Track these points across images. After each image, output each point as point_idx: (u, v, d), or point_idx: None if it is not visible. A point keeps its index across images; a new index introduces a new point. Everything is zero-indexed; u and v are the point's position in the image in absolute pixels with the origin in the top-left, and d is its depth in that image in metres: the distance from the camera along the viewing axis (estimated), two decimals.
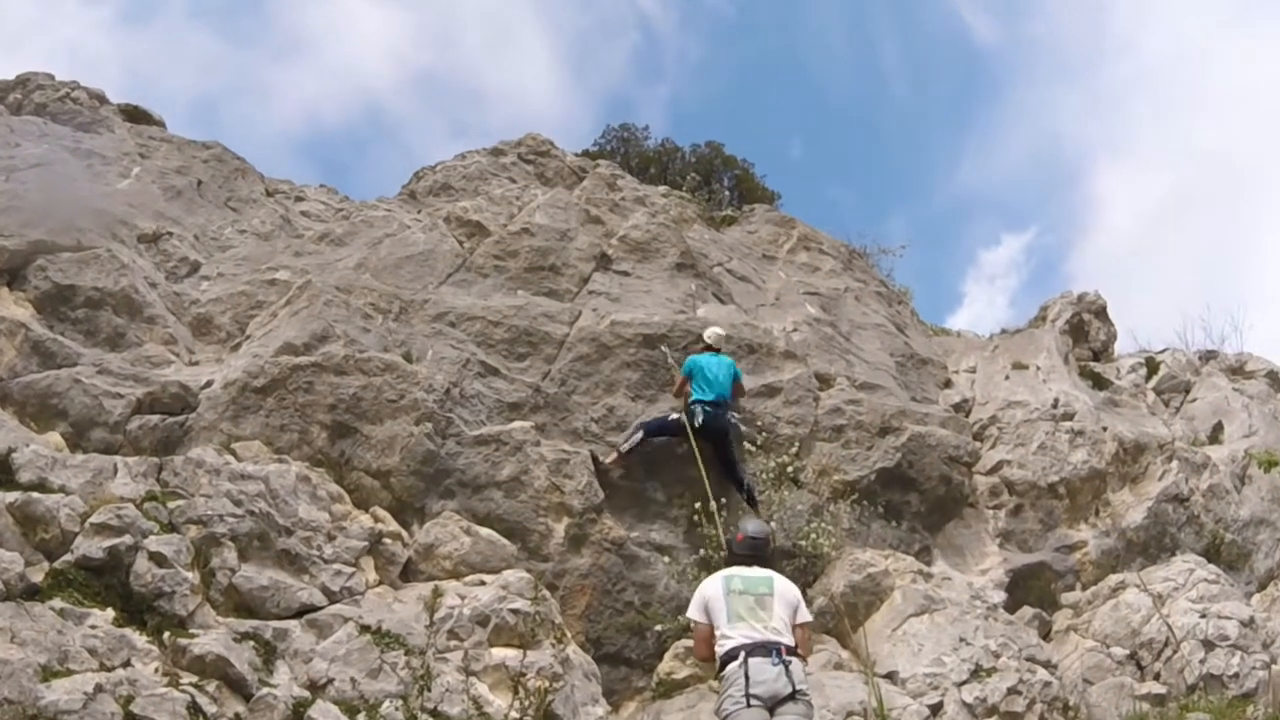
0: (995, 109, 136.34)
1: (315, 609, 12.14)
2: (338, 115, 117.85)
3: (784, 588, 10.62)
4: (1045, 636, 16.86)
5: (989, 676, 14.60)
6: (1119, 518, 19.01)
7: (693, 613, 10.68)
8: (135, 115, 21.37)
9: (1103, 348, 25.37)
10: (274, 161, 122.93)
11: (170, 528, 11.92)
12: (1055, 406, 20.39)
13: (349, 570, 12.92)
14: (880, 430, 18.30)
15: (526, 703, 12.07)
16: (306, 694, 11.09)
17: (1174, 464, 19.94)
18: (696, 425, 16.26)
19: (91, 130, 19.45)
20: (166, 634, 10.81)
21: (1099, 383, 23.23)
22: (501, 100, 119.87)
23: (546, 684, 12.35)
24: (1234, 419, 22.82)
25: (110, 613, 10.72)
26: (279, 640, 11.51)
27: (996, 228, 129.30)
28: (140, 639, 10.59)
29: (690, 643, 13.59)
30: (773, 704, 9.59)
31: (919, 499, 18.15)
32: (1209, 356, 25.92)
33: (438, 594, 13.13)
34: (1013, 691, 14.45)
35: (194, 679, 10.41)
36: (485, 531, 14.49)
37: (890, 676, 14.60)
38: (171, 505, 12.22)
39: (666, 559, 15.64)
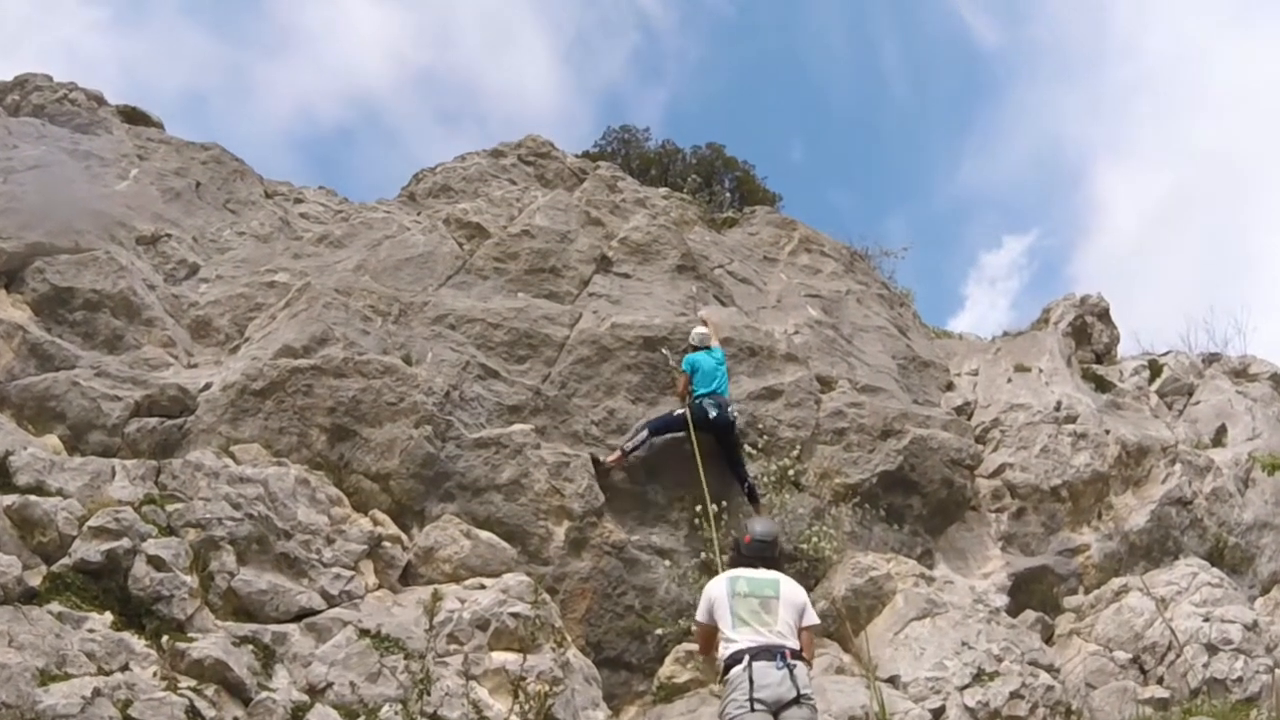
0: (996, 110, 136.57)
1: (314, 613, 12.11)
2: (334, 114, 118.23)
3: (790, 590, 10.55)
4: (1048, 640, 16.81)
5: (991, 680, 14.55)
6: (1122, 521, 18.98)
7: (699, 615, 10.66)
8: (133, 117, 21.32)
9: (1105, 350, 25.31)
10: (270, 160, 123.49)
11: (169, 531, 11.90)
12: (1058, 409, 20.35)
13: (348, 574, 12.88)
14: (882, 433, 18.26)
15: (526, 707, 12.02)
16: (305, 698, 11.06)
17: (1177, 467, 19.91)
18: (711, 418, 16.33)
19: (90, 132, 19.41)
20: (165, 638, 10.78)
21: (1102, 385, 23.18)
22: (500, 100, 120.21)
23: (547, 688, 12.30)
24: (1237, 422, 22.77)
25: (108, 616, 10.70)
26: (278, 644, 11.47)
27: (998, 230, 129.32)
28: (138, 643, 10.57)
29: (692, 646, 13.66)
30: (777, 709, 9.50)
31: (921, 502, 18.11)
32: (1212, 359, 25.87)
33: (437, 597, 13.05)
34: (1015, 696, 14.40)
35: (192, 683, 10.39)
36: (485, 535, 14.46)
37: (892, 681, 14.54)
38: (170, 508, 12.20)
39: (667, 562, 15.59)
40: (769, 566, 10.76)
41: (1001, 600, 17.01)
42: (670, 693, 14.20)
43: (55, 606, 10.40)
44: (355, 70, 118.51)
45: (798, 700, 9.56)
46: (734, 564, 10.98)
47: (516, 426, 15.84)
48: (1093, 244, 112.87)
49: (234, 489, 12.66)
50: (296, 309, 16.24)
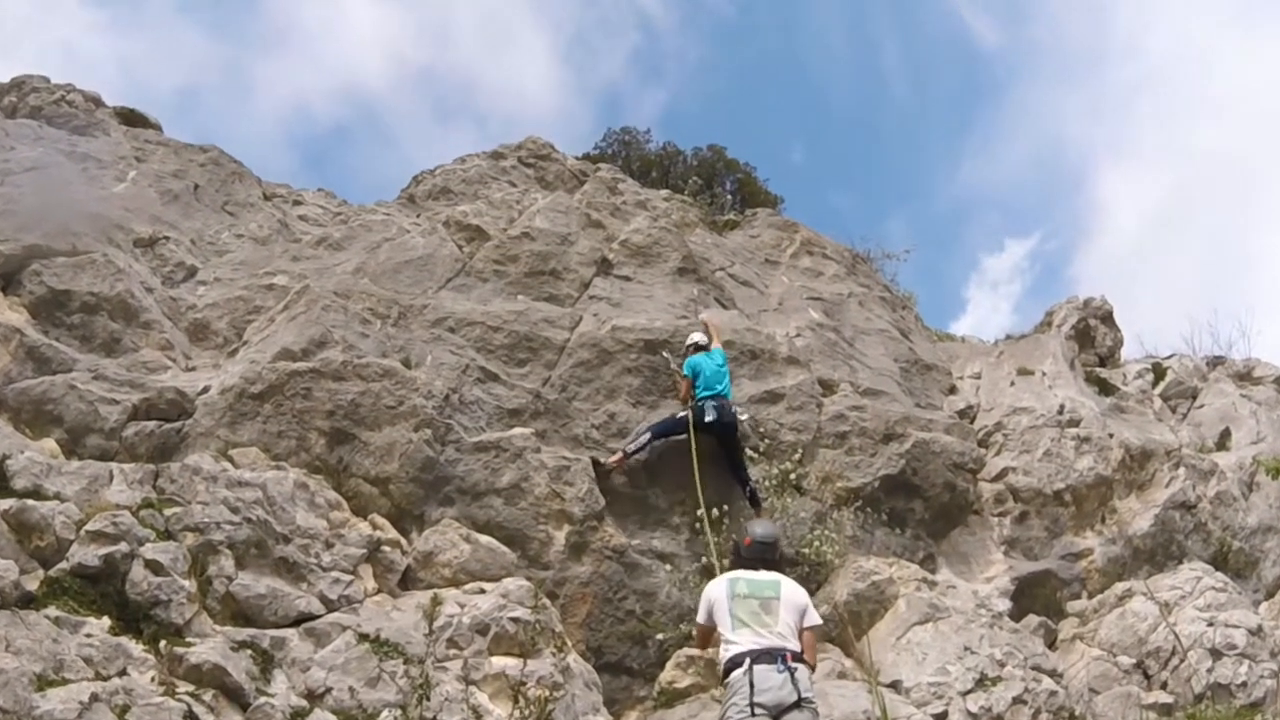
0: (997, 112, 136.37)
1: (313, 617, 12.09)
2: (331, 112, 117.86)
3: (791, 592, 10.56)
4: (1051, 645, 16.77)
5: (994, 686, 14.52)
6: (1125, 525, 18.92)
7: (699, 617, 10.65)
8: (131, 118, 21.24)
9: (1109, 353, 25.23)
10: (266, 159, 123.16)
11: (166, 535, 11.90)
12: (1061, 413, 20.29)
13: (347, 578, 12.83)
14: (884, 437, 18.20)
15: (526, 712, 11.88)
16: (304, 703, 11.05)
17: (1181, 471, 19.85)
18: (708, 420, 16.28)
19: (87, 133, 19.33)
20: (163, 643, 10.76)
21: (1105, 389, 23.12)
22: (499, 100, 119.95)
23: (547, 693, 12.12)
24: (1241, 425, 22.69)
25: (106, 621, 10.68)
26: (276, 649, 11.45)
27: (999, 232, 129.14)
28: (136, 648, 10.54)
29: (693, 651, 13.61)
30: (778, 712, 9.50)
31: (923, 506, 18.05)
32: (1216, 362, 25.79)
33: (437, 602, 12.77)
34: (1018, 701, 14.37)
35: (191, 688, 10.38)
36: (485, 539, 14.39)
37: (894, 685, 14.50)
38: (168, 512, 12.19)
39: (668, 567, 15.55)
40: (769, 569, 10.75)
41: (1004, 605, 16.96)
42: (671, 698, 14.15)
43: (52, 611, 10.37)
44: (352, 69, 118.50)
45: (799, 704, 9.56)
46: (734, 567, 10.99)
47: (516, 430, 15.79)
48: (1095, 246, 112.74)
49: (232, 493, 12.61)
50: (295, 312, 16.18)
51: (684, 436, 16.30)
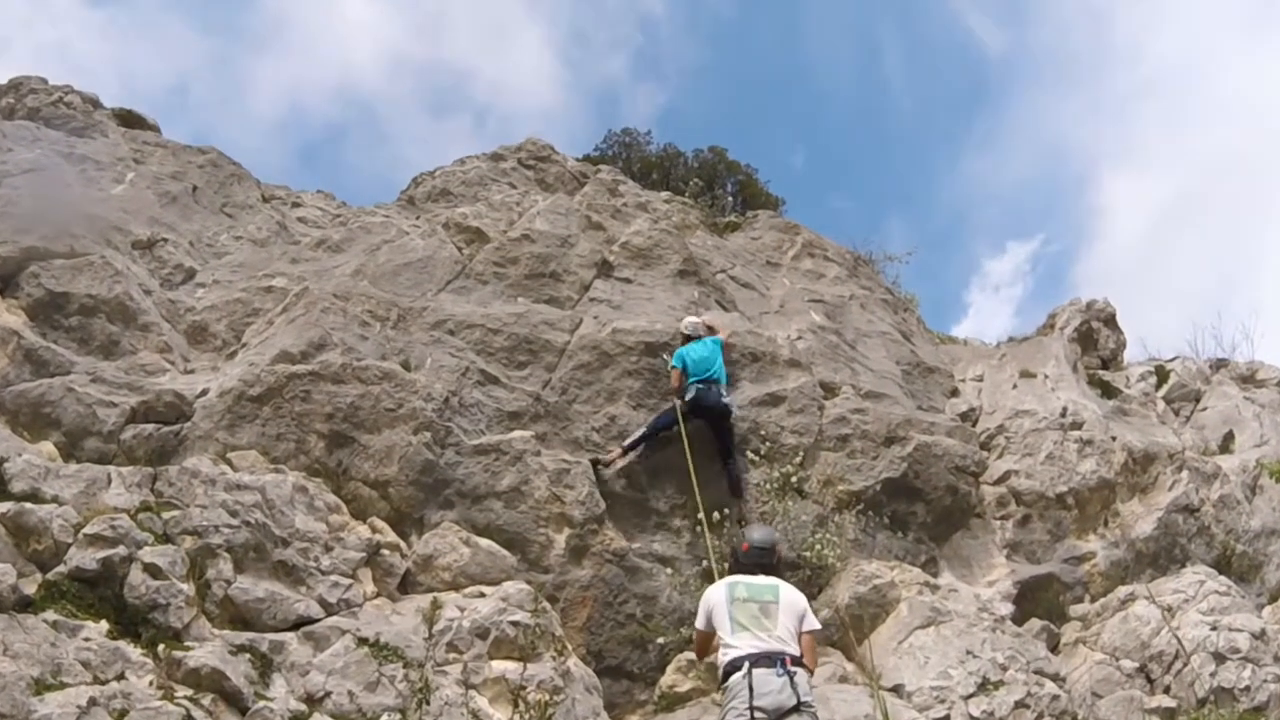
0: (999, 116, 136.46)
1: (312, 621, 12.08)
2: (327, 109, 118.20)
3: (790, 596, 10.56)
4: (1053, 649, 16.71)
5: (996, 690, 14.47)
6: (1128, 528, 18.85)
7: (698, 622, 10.63)
8: (129, 120, 21.21)
9: (1112, 356, 25.17)
10: (261, 156, 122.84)
11: (165, 539, 11.91)
12: (1063, 415, 20.23)
13: (346, 582, 12.82)
14: (886, 440, 18.12)
15: (527, 716, 12.01)
16: (304, 707, 11.06)
17: (1184, 474, 19.77)
18: (690, 400, 16.46)
19: (85, 135, 19.30)
20: (161, 646, 10.79)
21: (1108, 391, 23.06)
22: (498, 100, 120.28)
23: (547, 697, 12.29)
24: (1245, 428, 22.64)
25: (104, 625, 10.71)
26: (275, 653, 11.45)
27: (1001, 236, 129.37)
28: (134, 651, 10.57)
29: (693, 655, 13.53)
30: (777, 716, 9.48)
31: (925, 509, 17.96)
32: (1220, 365, 25.72)
33: (437, 606, 13.02)
34: (1020, 705, 14.32)
35: (189, 692, 10.41)
36: (485, 542, 14.36)
37: (896, 690, 14.48)
38: (166, 516, 12.21)
39: (669, 570, 15.52)
40: (767, 574, 10.74)
41: (1007, 608, 16.89)
42: (672, 702, 14.15)
43: (50, 615, 10.41)
44: (347, 65, 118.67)
45: (798, 708, 9.55)
46: (732, 572, 10.97)
47: (516, 433, 15.77)
48: (1097, 250, 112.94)
49: (231, 496, 12.61)
50: (294, 314, 16.17)
51: (679, 428, 16.30)
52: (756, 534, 11.24)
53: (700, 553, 15.42)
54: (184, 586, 11.31)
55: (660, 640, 14.84)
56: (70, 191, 17.28)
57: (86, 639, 10.32)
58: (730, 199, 32.15)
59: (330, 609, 12.36)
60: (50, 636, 10.06)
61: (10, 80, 20.24)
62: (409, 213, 21.59)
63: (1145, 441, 20.42)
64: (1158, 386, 24.01)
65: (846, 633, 15.40)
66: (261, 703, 10.71)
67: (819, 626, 10.84)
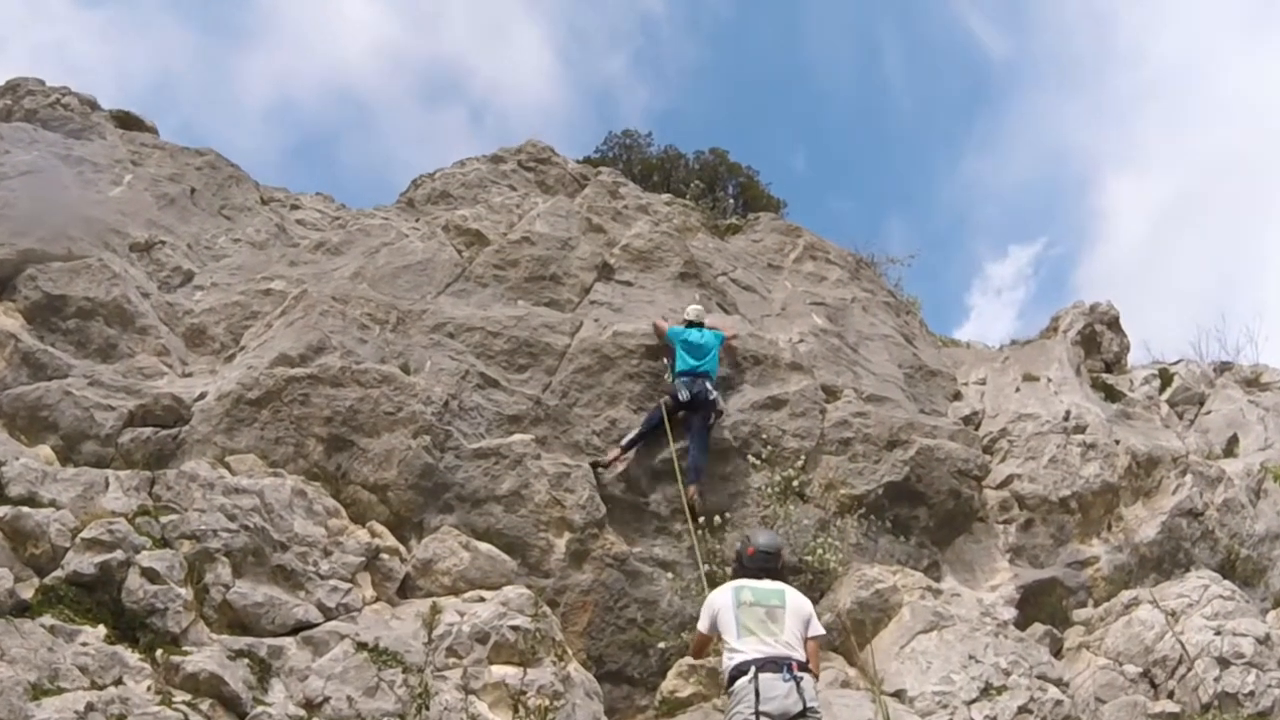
0: (1001, 118, 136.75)
1: (311, 626, 12.02)
2: (323, 107, 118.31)
3: (796, 601, 10.63)
4: (1056, 654, 16.64)
5: (999, 695, 14.42)
6: (1132, 533, 18.80)
7: (700, 625, 10.64)
8: (127, 122, 21.23)
9: (1115, 359, 25.13)
10: (253, 154, 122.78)
11: (163, 543, 11.85)
12: (1067, 419, 20.17)
13: (345, 586, 12.78)
14: (888, 443, 18.07)
15: None
16: (302, 713, 11.02)
17: (1188, 478, 19.70)
18: (681, 398, 16.49)
19: (82, 137, 19.32)
20: (159, 651, 10.76)
21: (1111, 395, 23.02)
22: (497, 100, 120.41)
23: (547, 702, 12.28)
24: (1249, 432, 22.63)
25: (102, 630, 10.65)
26: (274, 658, 11.41)
27: (1003, 239, 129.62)
28: (132, 656, 10.53)
29: (696, 661, 13.47)
30: None
31: (928, 513, 17.90)
32: (1224, 368, 25.70)
33: (436, 610, 13.01)
34: (1023, 710, 14.27)
35: (187, 697, 10.37)
36: (485, 547, 14.32)
37: (898, 695, 14.42)
38: (164, 520, 12.14)
39: (670, 575, 15.47)
40: (772, 578, 10.73)
41: (1009, 613, 16.85)
42: (673, 707, 14.03)
43: (48, 619, 10.36)
44: (344, 63, 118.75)
45: (804, 714, 9.68)
46: (736, 575, 10.99)
47: (516, 437, 15.74)
48: (1100, 252, 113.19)
49: (229, 500, 12.56)
50: (293, 317, 16.15)
51: (672, 420, 16.42)
52: (761, 538, 11.25)
53: (701, 556, 15.37)
54: (182, 591, 11.26)
55: (661, 645, 14.79)
56: (68, 193, 17.30)
57: (84, 644, 10.28)
58: (731, 201, 32.21)
59: (329, 613, 12.30)
60: (47, 641, 10.01)
61: (7, 82, 20.28)
62: (408, 215, 21.60)
63: (1149, 445, 20.36)
64: (1161, 390, 23.97)
65: (848, 637, 15.32)
66: (260, 708, 10.69)
67: (824, 632, 10.92)
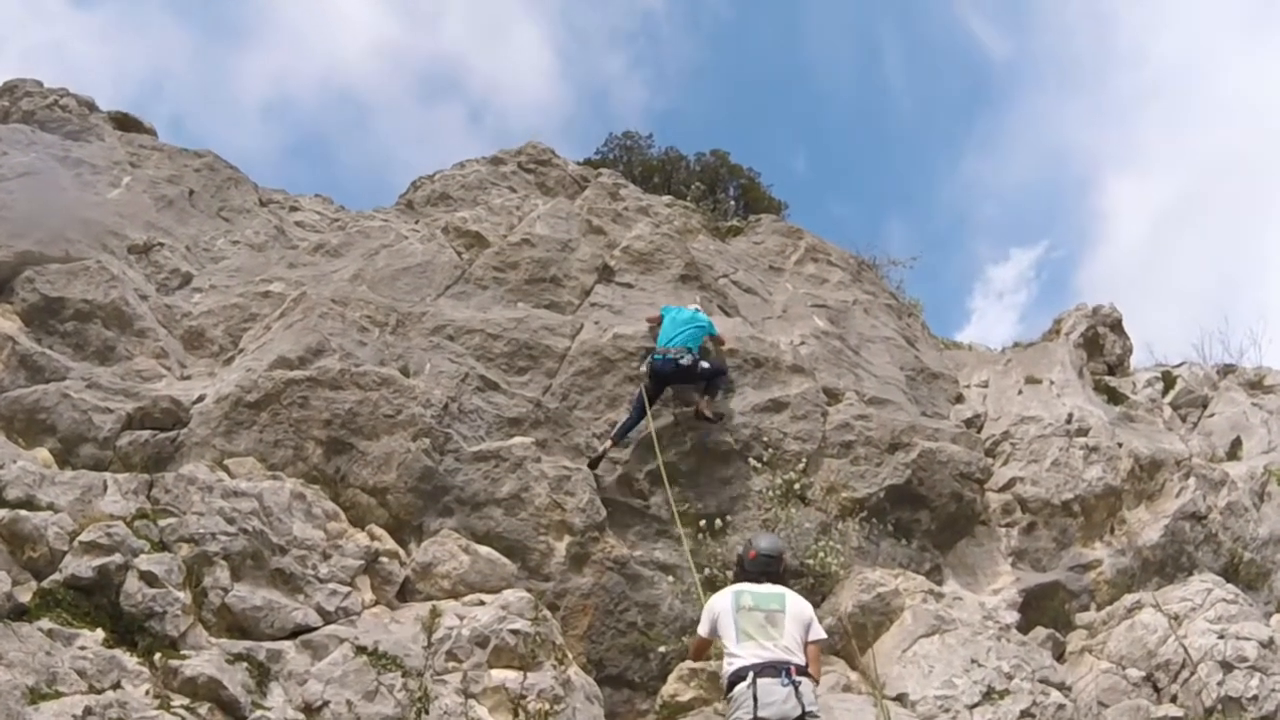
0: (1001, 120, 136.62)
1: (310, 629, 12.01)
2: (319, 105, 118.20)
3: (796, 605, 10.58)
4: (1059, 658, 16.62)
5: (1001, 699, 14.38)
6: (1135, 536, 18.76)
7: (700, 629, 10.61)
8: (125, 123, 21.23)
9: (1118, 362, 25.11)
10: (249, 155, 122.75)
11: (161, 546, 11.82)
12: (1069, 422, 20.14)
13: (345, 590, 12.77)
14: (890, 446, 18.03)
15: None
16: (301, 716, 11.03)
17: (1191, 481, 19.67)
18: (643, 370, 16.96)
19: (81, 138, 19.32)
20: (157, 655, 10.72)
21: (1114, 397, 23.01)
22: (494, 98, 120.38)
23: (547, 706, 12.28)
24: (1253, 434, 22.61)
25: (100, 633, 10.63)
26: (273, 662, 11.39)
27: (1004, 242, 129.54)
28: (131, 660, 10.50)
29: (695, 664, 13.44)
30: None
31: (929, 517, 17.87)
32: (1227, 371, 25.68)
33: (436, 614, 12.99)
34: (1026, 714, 14.26)
35: (186, 701, 10.36)
36: (484, 550, 14.32)
37: (900, 699, 14.38)
38: (162, 523, 12.11)
39: (670, 578, 15.46)
40: (773, 582, 10.69)
41: (1012, 617, 16.83)
42: (673, 711, 14.02)
43: (46, 623, 10.34)
44: (344, 62, 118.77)
45: (803, 718, 9.59)
46: (737, 579, 10.95)
47: (517, 439, 15.71)
48: (1102, 255, 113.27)
49: (228, 503, 12.53)
50: (292, 319, 16.12)
51: (653, 406, 16.62)
52: (763, 541, 11.20)
53: (702, 561, 15.34)
54: (180, 594, 11.22)
55: (662, 649, 14.81)
56: (65, 195, 17.29)
57: (82, 647, 10.25)
58: (732, 203, 32.15)
59: (328, 617, 12.29)
60: (45, 645, 9.99)
61: (5, 83, 20.28)
62: (408, 217, 21.60)
63: (1152, 448, 20.31)
64: (1164, 392, 23.97)
65: (850, 641, 15.34)
66: (259, 712, 10.67)
67: (824, 636, 10.88)
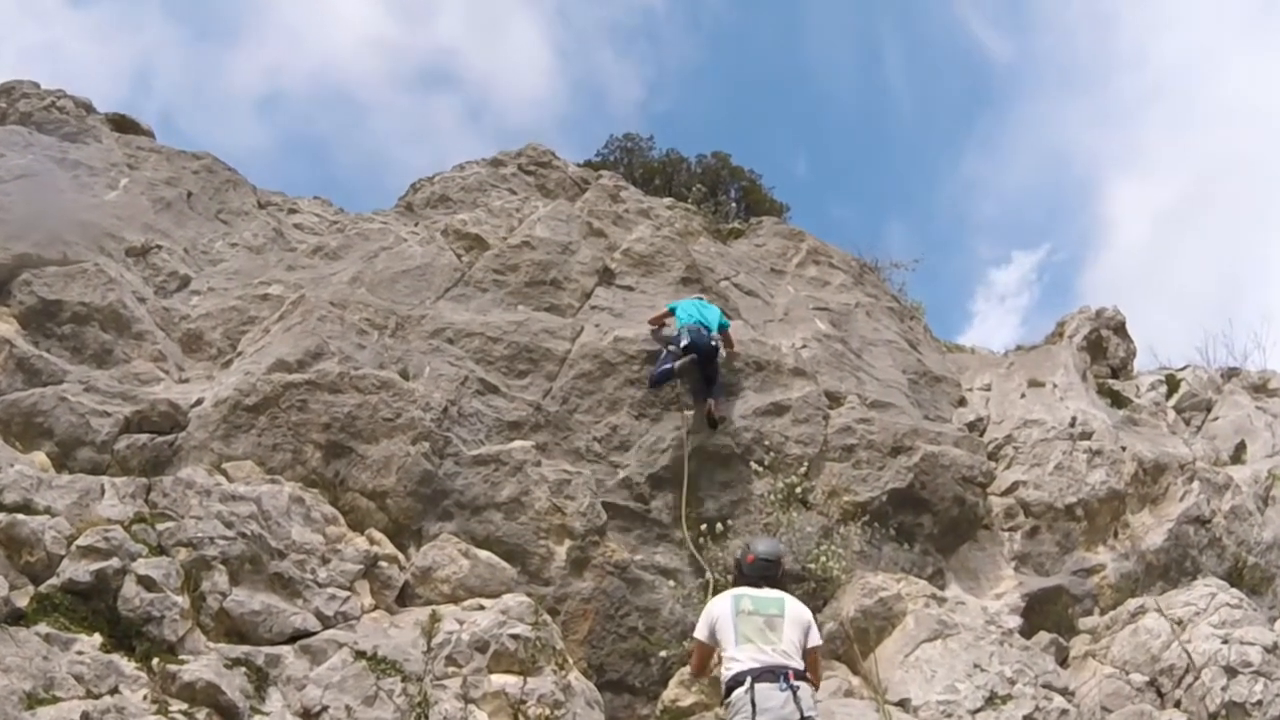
0: (1003, 123, 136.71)
1: (309, 634, 11.94)
2: (316, 104, 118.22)
3: (795, 610, 10.54)
4: (1062, 663, 16.59)
5: (1004, 704, 14.33)
6: (1138, 540, 18.73)
7: (698, 633, 10.54)
8: (123, 125, 21.24)
9: (1121, 365, 25.12)
10: (245, 153, 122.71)
11: (159, 550, 11.76)
12: (1072, 425, 20.12)
13: (344, 594, 12.71)
14: (892, 450, 17.99)
15: None
16: None
17: (1195, 485, 19.66)
18: (684, 345, 16.78)
19: (78, 140, 19.31)
20: (155, 660, 10.69)
21: (1118, 401, 23.02)
22: (494, 99, 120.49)
23: (548, 712, 12.26)
24: (1257, 438, 22.58)
25: (97, 638, 10.61)
26: (271, 666, 11.33)
27: (1006, 244, 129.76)
28: (128, 665, 10.48)
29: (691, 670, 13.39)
30: None
31: (932, 521, 17.82)
32: (1231, 374, 25.65)
33: (435, 619, 12.95)
34: None
35: (184, 706, 10.33)
36: (484, 554, 14.25)
37: (902, 704, 14.32)
38: (160, 527, 12.05)
39: (671, 583, 15.39)
40: (772, 587, 10.65)
41: (1015, 621, 16.77)
42: (674, 716, 14.06)
43: (43, 628, 10.29)
44: (338, 58, 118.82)
45: None
46: (736, 583, 10.93)
47: (517, 443, 15.68)
48: (1104, 258, 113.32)
49: (226, 507, 12.47)
50: (290, 322, 16.11)
51: (679, 367, 16.81)
52: (761, 546, 11.15)
53: (702, 564, 15.31)
54: (178, 599, 11.19)
55: (662, 653, 14.74)
56: (63, 198, 17.28)
57: (79, 652, 10.20)
58: (734, 205, 32.19)
59: (327, 622, 12.23)
60: (43, 650, 9.93)
61: (2, 84, 20.23)
62: (407, 219, 21.60)
63: (1155, 452, 20.30)
64: (1168, 396, 23.98)
65: (852, 646, 15.34)
66: (257, 717, 10.64)
67: (822, 642, 10.84)
